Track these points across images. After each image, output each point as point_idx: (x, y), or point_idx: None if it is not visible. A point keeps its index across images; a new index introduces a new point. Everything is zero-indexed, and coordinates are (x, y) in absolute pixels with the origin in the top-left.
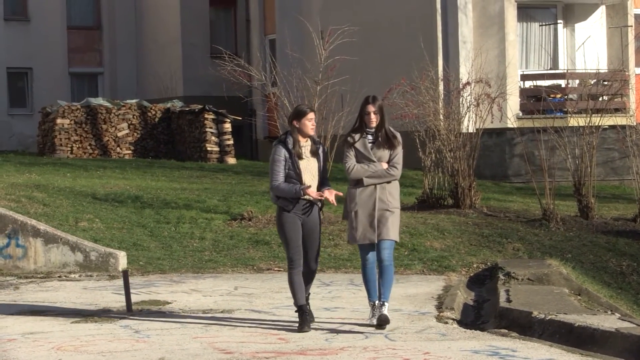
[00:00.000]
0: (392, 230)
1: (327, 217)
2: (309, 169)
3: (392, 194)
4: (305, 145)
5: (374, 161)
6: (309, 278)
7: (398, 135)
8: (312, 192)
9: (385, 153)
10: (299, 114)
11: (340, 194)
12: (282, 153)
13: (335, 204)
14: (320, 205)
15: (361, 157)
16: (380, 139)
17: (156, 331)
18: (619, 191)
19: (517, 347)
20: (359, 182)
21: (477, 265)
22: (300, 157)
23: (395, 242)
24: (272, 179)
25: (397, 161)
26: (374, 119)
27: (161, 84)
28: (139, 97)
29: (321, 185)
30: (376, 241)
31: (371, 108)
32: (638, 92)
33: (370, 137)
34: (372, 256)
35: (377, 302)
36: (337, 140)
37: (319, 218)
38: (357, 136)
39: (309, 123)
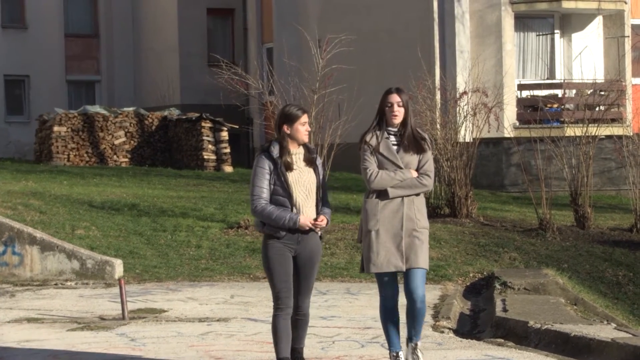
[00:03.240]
0: (422, 256)
1: None
2: (302, 182)
3: (420, 211)
4: (297, 153)
5: (401, 167)
6: (300, 325)
7: (427, 136)
8: (308, 223)
9: (413, 158)
10: (289, 118)
11: (323, 223)
12: (266, 164)
13: (318, 232)
14: (319, 231)
15: (385, 163)
16: (406, 140)
17: (152, 339)
18: (615, 201)
19: (514, 356)
20: (381, 194)
21: (473, 275)
22: (289, 168)
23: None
24: (253, 199)
25: (428, 168)
26: (398, 113)
27: (158, 92)
28: (136, 105)
29: (320, 205)
30: (404, 269)
31: (395, 98)
32: (635, 102)
33: (393, 137)
34: (395, 291)
35: (406, 347)
36: (334, 149)
37: (319, 248)
38: (376, 136)
39: (302, 128)
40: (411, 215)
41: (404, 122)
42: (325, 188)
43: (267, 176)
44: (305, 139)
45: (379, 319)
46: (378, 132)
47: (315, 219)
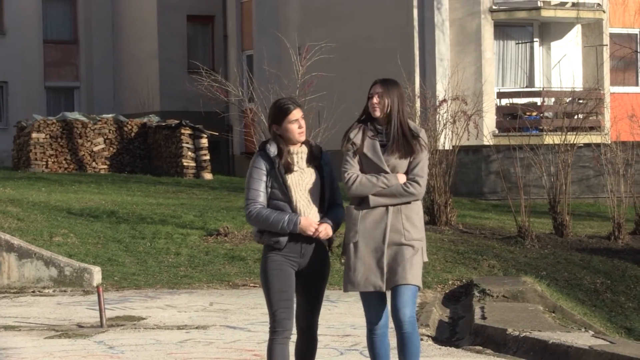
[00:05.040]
0: (411, 271)
1: None
2: (304, 184)
3: (410, 220)
4: (298, 152)
5: (386, 172)
6: (311, 348)
7: (422, 134)
8: (311, 225)
9: (401, 161)
10: (277, 115)
11: (331, 233)
12: (262, 164)
13: (323, 236)
14: (328, 240)
15: (368, 165)
16: (395, 139)
17: (130, 347)
18: (593, 209)
19: None
20: (363, 201)
21: (452, 282)
22: (288, 169)
23: (418, 288)
24: (248, 204)
25: (418, 172)
26: (377, 106)
27: (138, 99)
28: (115, 112)
29: (327, 210)
30: (384, 289)
31: (376, 88)
32: (613, 110)
33: (381, 136)
34: (382, 316)
35: None
36: None
37: (326, 260)
38: (360, 134)
39: (294, 126)
40: (397, 226)
41: (389, 119)
42: (335, 189)
43: (264, 178)
44: (300, 138)
45: (358, 326)
46: (363, 130)
47: (317, 229)
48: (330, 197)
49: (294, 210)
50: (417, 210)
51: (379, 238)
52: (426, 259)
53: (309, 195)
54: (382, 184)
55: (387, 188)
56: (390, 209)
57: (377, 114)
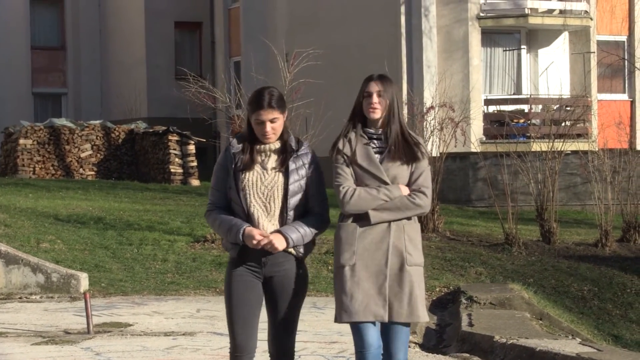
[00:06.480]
0: (412, 304)
1: None
2: (262, 187)
3: (412, 242)
4: (268, 150)
5: (386, 183)
6: None
7: (422, 141)
8: (255, 234)
9: (402, 169)
10: (250, 105)
11: (283, 246)
12: (225, 161)
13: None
14: (297, 253)
15: (364, 177)
16: (392, 145)
17: (117, 353)
18: (580, 216)
19: None
20: (360, 217)
21: (439, 289)
22: (247, 167)
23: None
24: (208, 204)
25: (424, 183)
26: (377, 106)
27: (125, 105)
28: (103, 118)
29: (292, 218)
30: (387, 319)
31: (375, 86)
32: (600, 118)
33: (375, 142)
34: (376, 338)
35: None
36: None
37: (293, 272)
38: (349, 141)
39: (259, 127)
40: (400, 247)
41: (389, 121)
42: (316, 195)
43: (224, 175)
44: (264, 140)
45: (345, 333)
46: (353, 136)
47: (264, 237)
48: (307, 205)
49: (247, 217)
50: (417, 230)
51: (380, 260)
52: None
53: (266, 200)
54: (384, 196)
55: (390, 201)
56: (393, 226)
57: (377, 115)
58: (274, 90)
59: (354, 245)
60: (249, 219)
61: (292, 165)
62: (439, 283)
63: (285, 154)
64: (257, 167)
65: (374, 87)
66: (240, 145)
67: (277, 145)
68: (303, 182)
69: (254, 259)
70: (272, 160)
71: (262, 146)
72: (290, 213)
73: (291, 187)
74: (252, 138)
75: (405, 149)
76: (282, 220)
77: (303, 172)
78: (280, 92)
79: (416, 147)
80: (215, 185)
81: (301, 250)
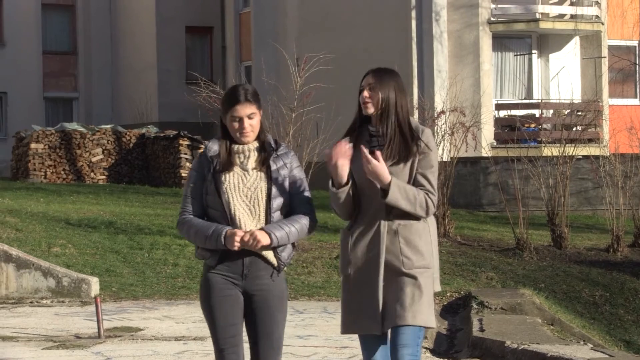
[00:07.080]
0: (411, 309)
1: (300, 244)
2: (243, 189)
3: (410, 244)
4: (246, 151)
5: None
6: None
7: (427, 133)
8: (237, 232)
9: (398, 168)
10: (223, 104)
11: (267, 241)
12: (200, 166)
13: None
14: (277, 262)
15: (361, 181)
16: (391, 141)
17: (128, 358)
18: (592, 221)
19: None
20: (357, 219)
21: (450, 294)
22: (227, 168)
23: (425, 329)
24: (180, 212)
25: (430, 187)
26: (368, 100)
27: (136, 110)
28: (113, 123)
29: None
30: (380, 331)
31: (367, 80)
32: (611, 122)
33: (375, 141)
34: (378, 350)
35: None
36: (312, 168)
37: (274, 285)
38: (353, 139)
39: (234, 124)
40: (394, 251)
41: (387, 113)
42: (298, 195)
43: (198, 181)
44: (241, 139)
45: (355, 338)
46: (356, 136)
47: (250, 235)
48: (290, 206)
49: (231, 220)
50: (419, 233)
51: (372, 267)
52: (438, 289)
53: (252, 203)
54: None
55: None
56: (384, 230)
57: (370, 110)
58: (248, 85)
59: (347, 254)
60: (233, 222)
61: (273, 165)
62: (450, 288)
63: (265, 153)
64: (237, 169)
65: (366, 81)
66: (217, 148)
67: (256, 144)
68: (286, 182)
69: (233, 269)
70: (252, 161)
71: (241, 146)
72: (275, 215)
73: (275, 188)
74: (229, 140)
75: (400, 145)
76: (267, 223)
77: (285, 172)
78: (254, 88)
79: (412, 141)
80: (191, 193)
81: (283, 256)
